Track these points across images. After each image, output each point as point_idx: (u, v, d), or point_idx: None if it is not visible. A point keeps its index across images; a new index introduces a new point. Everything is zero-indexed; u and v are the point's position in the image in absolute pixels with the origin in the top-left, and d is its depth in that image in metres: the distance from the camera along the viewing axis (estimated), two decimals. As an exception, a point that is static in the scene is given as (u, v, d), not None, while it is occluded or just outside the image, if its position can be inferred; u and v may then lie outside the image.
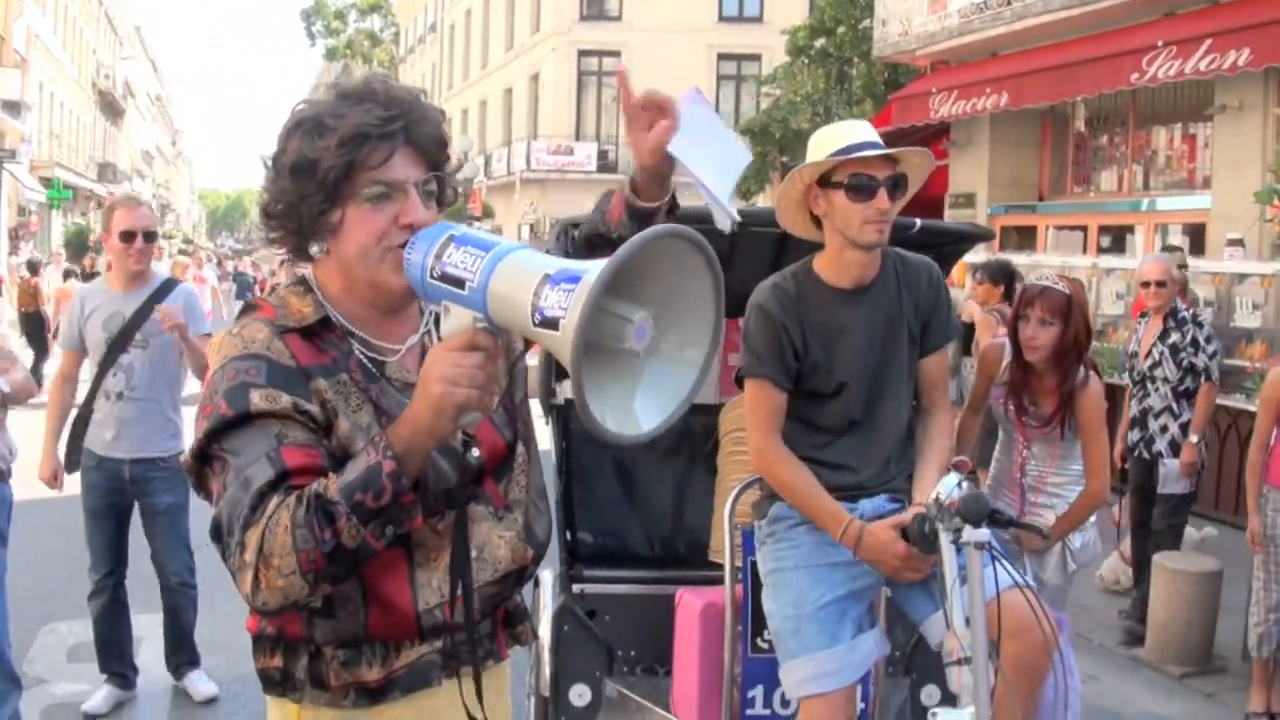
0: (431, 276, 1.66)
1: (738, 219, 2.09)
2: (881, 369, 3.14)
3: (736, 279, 4.43)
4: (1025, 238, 15.27)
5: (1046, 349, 4.03)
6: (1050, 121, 15.29)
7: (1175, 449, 6.19)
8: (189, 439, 1.87)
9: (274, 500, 1.66)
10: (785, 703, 3.46)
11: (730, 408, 4.34)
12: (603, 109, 34.27)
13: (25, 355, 15.32)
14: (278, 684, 1.90)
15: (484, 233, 1.70)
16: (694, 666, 3.63)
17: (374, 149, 1.78)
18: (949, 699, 3.59)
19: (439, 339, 1.71)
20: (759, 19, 32.06)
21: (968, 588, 2.60)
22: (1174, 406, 6.20)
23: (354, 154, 1.76)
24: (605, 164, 33.37)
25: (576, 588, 3.90)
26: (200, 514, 5.06)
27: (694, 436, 4.64)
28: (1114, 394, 5.74)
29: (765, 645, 3.44)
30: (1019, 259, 11.79)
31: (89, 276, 17.91)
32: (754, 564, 3.42)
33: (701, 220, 1.95)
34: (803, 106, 20.06)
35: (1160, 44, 11.51)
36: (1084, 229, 14.67)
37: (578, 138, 33.90)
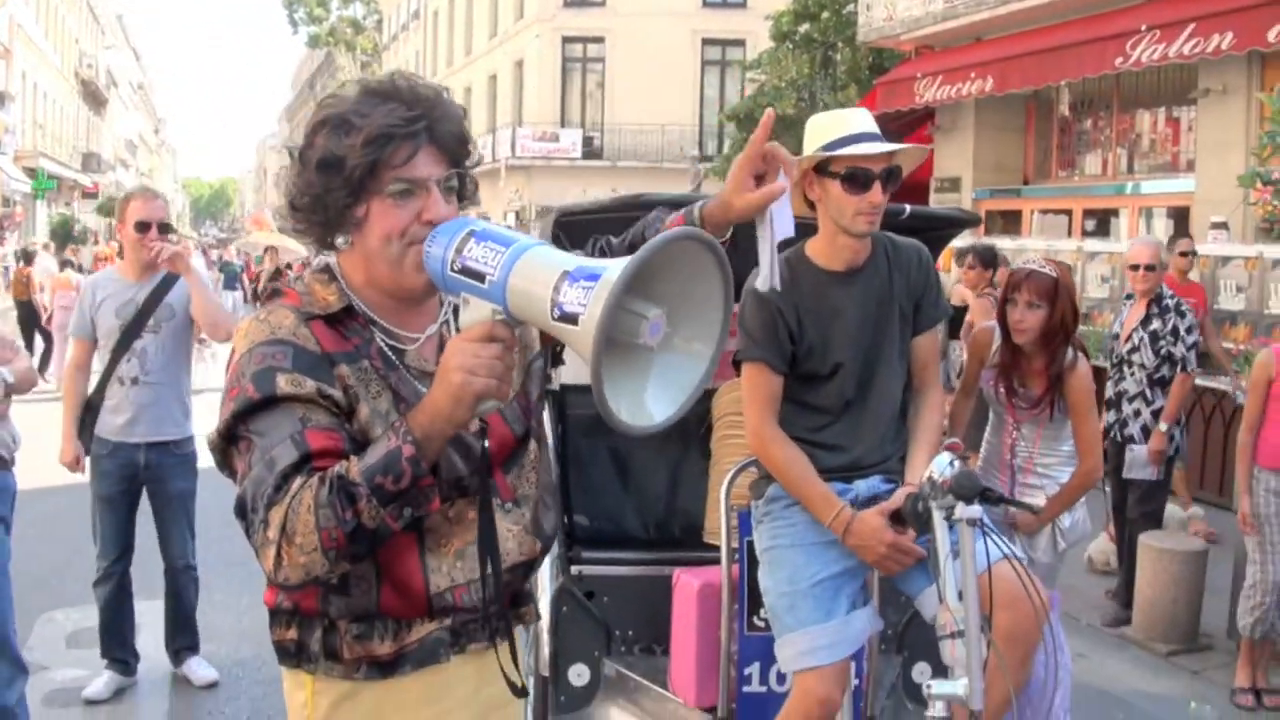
0: (452, 270, 1.72)
1: (778, 287, 2.19)
2: (874, 350, 3.20)
3: (732, 261, 4.51)
4: (1010, 221, 15.35)
5: (1034, 331, 4.09)
6: (1034, 105, 15.37)
7: (1147, 434, 6.19)
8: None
9: (297, 481, 1.72)
10: (781, 679, 3.52)
11: (724, 392, 4.39)
12: (587, 96, 34.26)
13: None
14: (293, 655, 1.95)
15: (503, 228, 1.75)
16: (691, 645, 3.69)
17: (398, 148, 1.82)
18: (940, 675, 3.66)
19: (457, 329, 1.77)
20: (743, 4, 32.07)
21: (960, 563, 2.66)
22: (1148, 393, 6.21)
23: (379, 153, 1.81)
24: (590, 150, 33.37)
25: (575, 569, 3.96)
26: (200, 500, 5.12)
27: (688, 421, 4.66)
28: (1100, 376, 5.81)
29: (761, 623, 3.50)
30: (1004, 243, 11.88)
31: (68, 267, 17.87)
32: (749, 544, 3.48)
33: None
34: (787, 92, 20.11)
35: (1144, 28, 11.60)
36: (1068, 213, 14.76)
37: (563, 124, 33.88)
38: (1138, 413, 6.22)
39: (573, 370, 4.15)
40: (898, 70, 16.64)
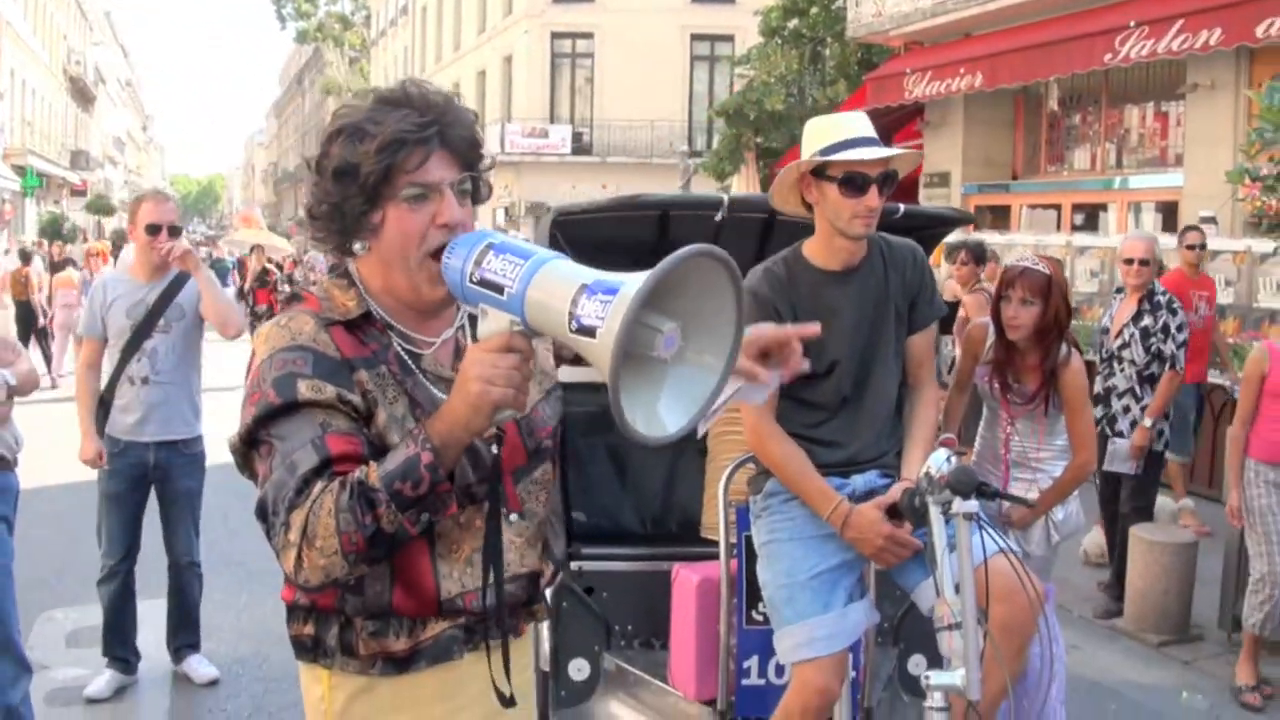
0: (471, 281, 1.75)
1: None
2: (870, 348, 3.26)
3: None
4: (999, 217, 15.41)
5: (1028, 328, 4.14)
6: (1023, 101, 15.42)
7: (1134, 430, 6.21)
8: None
9: (318, 485, 1.77)
10: (779, 671, 3.57)
11: (719, 389, 4.44)
12: (576, 91, 34.24)
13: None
14: (310, 650, 1.99)
15: (521, 241, 1.79)
16: (691, 639, 3.74)
17: (411, 153, 1.87)
18: (937, 667, 3.71)
19: (473, 334, 1.81)
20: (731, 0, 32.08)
21: (957, 556, 2.71)
22: (1137, 389, 6.22)
23: (392, 158, 1.86)
24: (580, 146, 33.37)
25: (574, 565, 4.00)
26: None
27: (684, 418, 4.73)
28: (1089, 370, 5.85)
29: (760, 617, 3.55)
30: (993, 238, 11.95)
31: (57, 266, 17.85)
32: (748, 539, 3.53)
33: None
34: (776, 87, 20.12)
35: (1132, 24, 11.64)
36: (1057, 208, 14.82)
37: (552, 120, 33.86)
38: (1126, 409, 6.24)
39: (570, 368, 4.20)
40: (887, 66, 16.67)
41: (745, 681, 3.62)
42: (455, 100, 1.98)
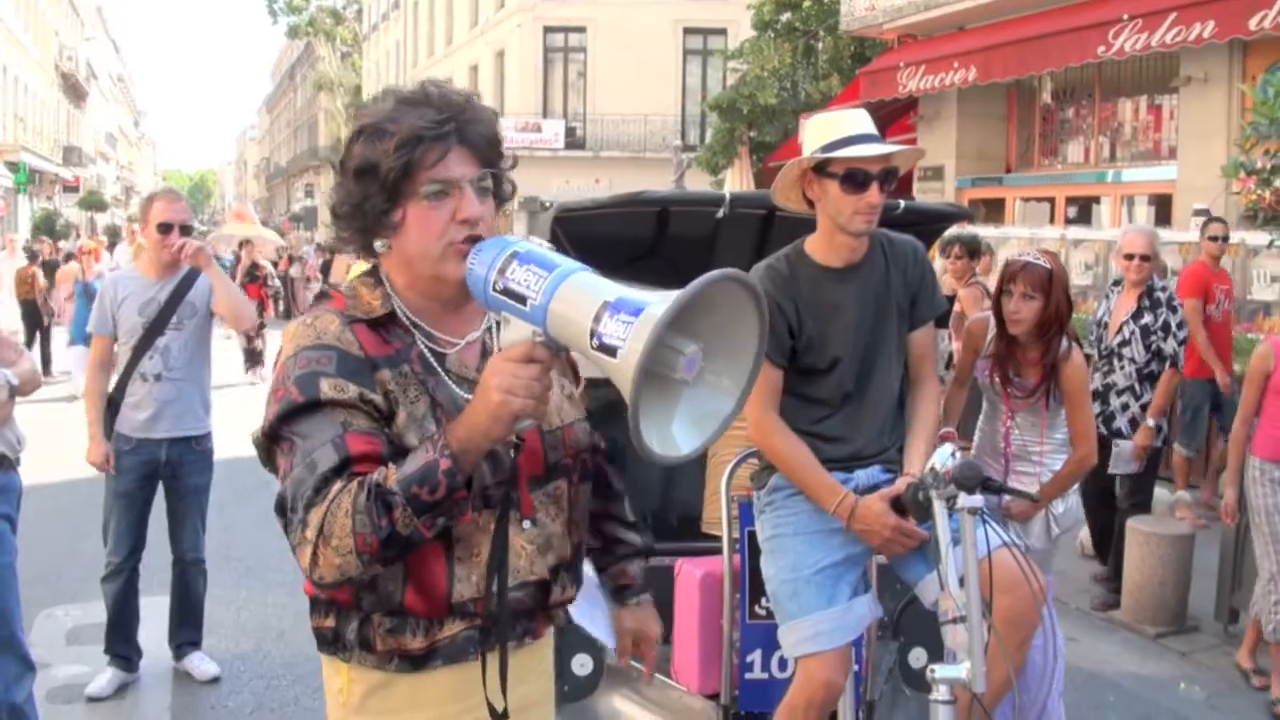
0: (494, 290, 1.76)
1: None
2: (873, 344, 3.28)
3: (724, 258, 4.58)
4: (993, 210, 15.44)
5: (1029, 322, 4.16)
6: (1017, 94, 15.45)
7: (1134, 428, 6.21)
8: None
9: (337, 485, 1.78)
10: (782, 665, 3.59)
11: (719, 384, 4.45)
12: (569, 86, 34.20)
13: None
14: (330, 643, 2.01)
15: (545, 250, 1.78)
16: (694, 633, 3.76)
17: (429, 149, 1.89)
18: (936, 659, 3.74)
19: (499, 339, 1.82)
20: (725, -7, 32.04)
21: (961, 550, 2.73)
22: (1136, 387, 6.20)
23: (410, 155, 1.88)
24: (573, 141, 33.32)
25: (576, 561, 4.00)
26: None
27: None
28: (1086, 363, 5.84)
29: (762, 612, 3.57)
30: (987, 231, 11.96)
31: (49, 266, 17.80)
32: (751, 534, 3.55)
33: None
34: (769, 81, 20.11)
35: (1126, 17, 11.67)
36: (1051, 201, 14.85)
37: (545, 115, 33.80)
38: (1125, 406, 6.22)
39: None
40: (880, 60, 16.69)
41: (748, 676, 3.64)
42: (475, 99, 1.99)
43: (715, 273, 1.63)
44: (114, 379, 4.99)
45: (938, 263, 10.10)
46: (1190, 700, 5.33)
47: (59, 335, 15.69)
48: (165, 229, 4.90)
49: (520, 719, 2.04)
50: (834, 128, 3.16)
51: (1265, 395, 5.07)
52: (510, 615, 1.99)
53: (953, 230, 9.02)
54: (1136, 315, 6.19)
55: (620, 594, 2.46)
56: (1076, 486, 4.38)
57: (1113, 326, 6.32)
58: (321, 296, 2.04)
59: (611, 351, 1.59)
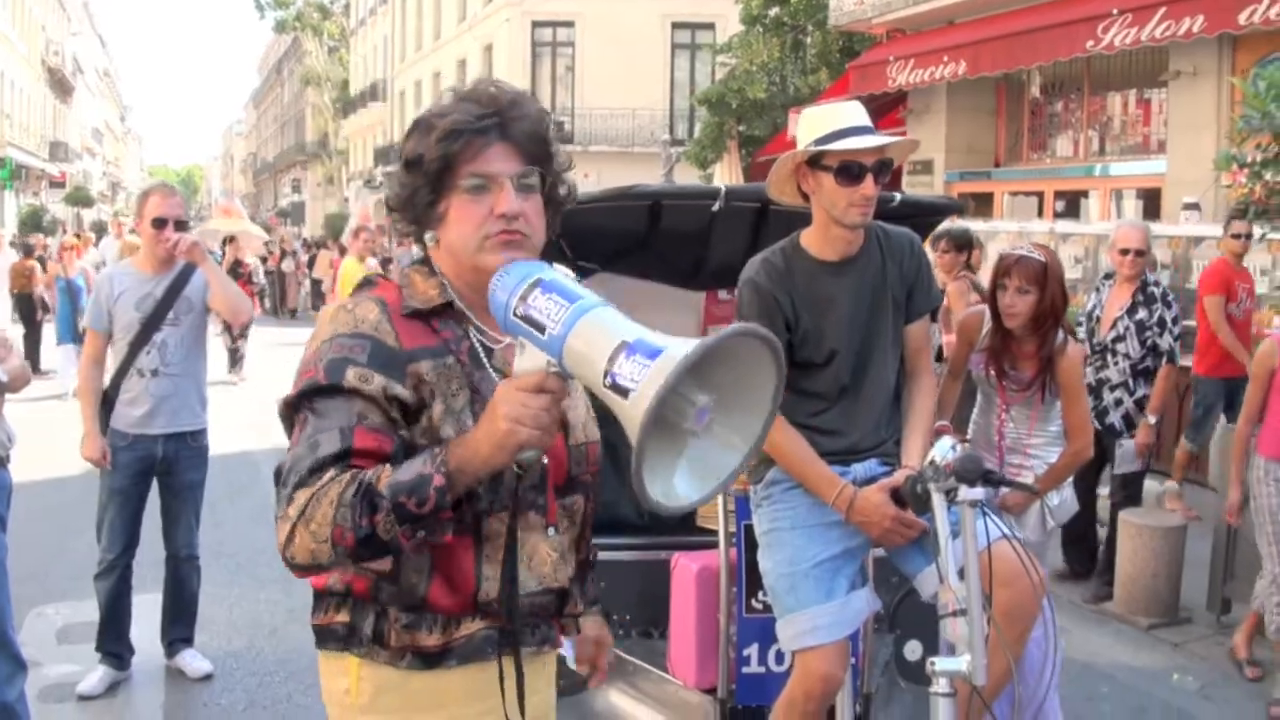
0: (514, 314, 1.75)
1: None
2: (869, 337, 3.27)
3: (718, 251, 4.57)
4: (981, 204, 15.45)
5: (1024, 316, 4.15)
6: (1006, 88, 15.47)
7: (1127, 423, 6.22)
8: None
9: (331, 472, 1.79)
10: (779, 659, 3.59)
11: (713, 378, 4.44)
12: (557, 80, 34.15)
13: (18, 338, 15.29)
14: (340, 638, 1.98)
15: (569, 280, 1.77)
16: (690, 627, 3.75)
17: (468, 143, 1.93)
18: (932, 652, 3.74)
19: (515, 363, 1.82)
20: (713, -13, 32.01)
21: (961, 543, 2.73)
22: (1130, 383, 6.19)
23: (449, 148, 1.93)
24: (560, 136, 33.14)
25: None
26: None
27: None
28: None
29: (759, 605, 3.56)
30: (976, 225, 11.97)
31: (40, 261, 17.72)
32: (747, 527, 3.55)
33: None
34: (758, 76, 20.09)
35: (1115, 12, 11.68)
36: (1040, 195, 14.87)
37: (533, 109, 33.73)
38: (1119, 402, 6.22)
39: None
40: (870, 54, 16.68)
41: (745, 669, 3.63)
42: (525, 97, 2.01)
43: (739, 326, 1.62)
44: (108, 375, 4.96)
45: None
46: (1183, 691, 5.35)
47: (51, 331, 15.65)
48: (160, 224, 4.88)
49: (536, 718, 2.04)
50: (828, 120, 3.15)
51: (1271, 394, 5.00)
52: (530, 619, 2.00)
53: (942, 224, 9.03)
54: (1131, 310, 6.18)
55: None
56: (1071, 480, 4.38)
57: (1106, 321, 6.30)
58: (366, 283, 2.05)
59: (624, 392, 1.57)
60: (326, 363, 1.88)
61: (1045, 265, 4.12)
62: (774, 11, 20.48)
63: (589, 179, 28.38)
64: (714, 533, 3.74)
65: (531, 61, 33.96)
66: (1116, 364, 6.22)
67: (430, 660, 1.96)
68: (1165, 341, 6.12)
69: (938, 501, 2.77)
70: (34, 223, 32.35)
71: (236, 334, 14.65)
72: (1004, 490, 3.97)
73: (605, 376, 1.60)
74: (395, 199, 2.02)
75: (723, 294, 5.02)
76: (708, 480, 1.69)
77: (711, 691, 3.70)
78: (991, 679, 2.87)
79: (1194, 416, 8.14)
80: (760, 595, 3.53)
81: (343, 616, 1.99)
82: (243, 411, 11.96)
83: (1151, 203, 12.79)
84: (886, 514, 3.09)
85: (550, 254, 4.55)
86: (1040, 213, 14.43)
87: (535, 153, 2.00)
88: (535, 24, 33.62)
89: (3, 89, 38.43)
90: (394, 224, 2.07)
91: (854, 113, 3.17)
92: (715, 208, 4.08)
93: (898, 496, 3.06)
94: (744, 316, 3.26)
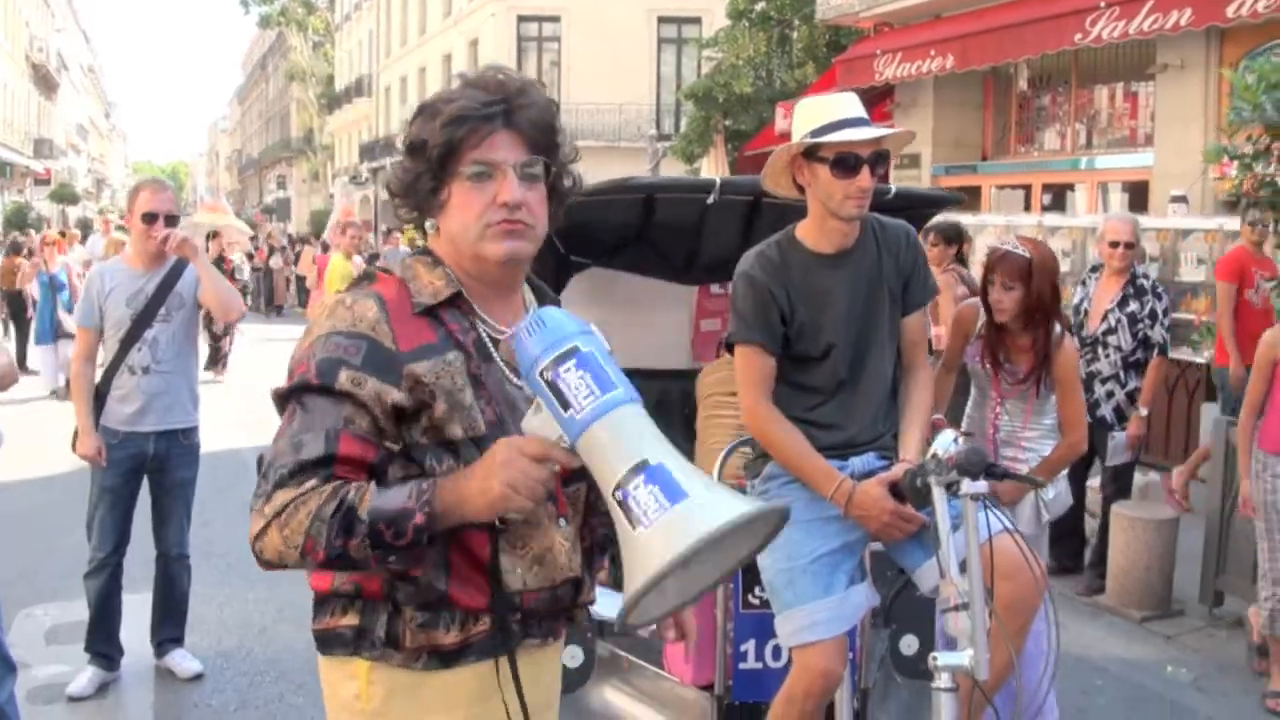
0: (541, 376, 1.69)
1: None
2: (866, 330, 3.25)
3: (711, 244, 4.54)
4: (969, 197, 15.46)
5: (1011, 312, 4.14)
6: (993, 82, 15.46)
7: (1119, 416, 6.21)
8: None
9: (314, 481, 1.78)
10: (776, 654, 3.58)
11: (708, 373, 4.43)
12: (543, 75, 34.06)
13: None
14: (348, 642, 1.94)
15: (605, 359, 1.70)
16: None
17: (474, 129, 1.90)
18: (926, 647, 3.73)
19: (527, 418, 1.81)
20: (699, -19, 31.97)
21: (965, 537, 2.71)
22: (1121, 375, 6.18)
23: (453, 133, 1.90)
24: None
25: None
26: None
27: (671, 403, 4.73)
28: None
29: (756, 601, 3.55)
30: (964, 219, 11.97)
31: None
32: (743, 523, 3.51)
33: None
34: (744, 70, 20.10)
35: (1103, 5, 11.67)
36: (1027, 188, 14.88)
37: (519, 104, 33.66)
38: (1110, 394, 6.21)
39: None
40: (857, 48, 16.66)
41: (742, 665, 3.62)
42: (533, 86, 1.99)
43: (765, 507, 1.62)
44: (99, 371, 4.91)
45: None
46: (1177, 683, 5.35)
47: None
48: (150, 219, 4.83)
49: (542, 713, 2.04)
50: (824, 111, 3.13)
51: (1273, 386, 4.94)
52: (548, 612, 2.00)
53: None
54: (1122, 303, 6.17)
55: None
56: (1065, 473, 4.38)
57: (1095, 314, 6.29)
58: (367, 277, 2.01)
59: (631, 519, 1.57)
60: (319, 361, 1.85)
61: (1030, 261, 4.10)
62: (760, 6, 20.47)
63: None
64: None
65: (517, 56, 33.87)
66: (1108, 356, 6.21)
67: (448, 659, 1.93)
68: (1157, 333, 6.12)
69: (938, 495, 2.75)
70: (19, 220, 32.15)
71: (220, 331, 14.55)
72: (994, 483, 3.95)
73: (616, 489, 1.59)
74: (397, 184, 1.99)
75: (715, 288, 5.00)
76: (668, 600, 1.74)
77: (709, 688, 3.68)
78: (993, 673, 2.85)
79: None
80: (757, 590, 3.51)
81: (350, 619, 1.94)
82: (231, 409, 11.91)
83: (1138, 196, 12.80)
84: (885, 508, 3.06)
85: (543, 248, 4.53)
86: (1027, 206, 14.44)
87: (541, 142, 1.97)
88: (521, 18, 33.56)
89: (-14, 86, 38.26)
90: (395, 210, 2.05)
91: (850, 104, 3.16)
92: (710, 200, 4.06)
93: (896, 490, 3.04)
94: (739, 310, 3.24)
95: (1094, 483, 6.67)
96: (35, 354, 14.13)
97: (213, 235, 17.91)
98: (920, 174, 15.55)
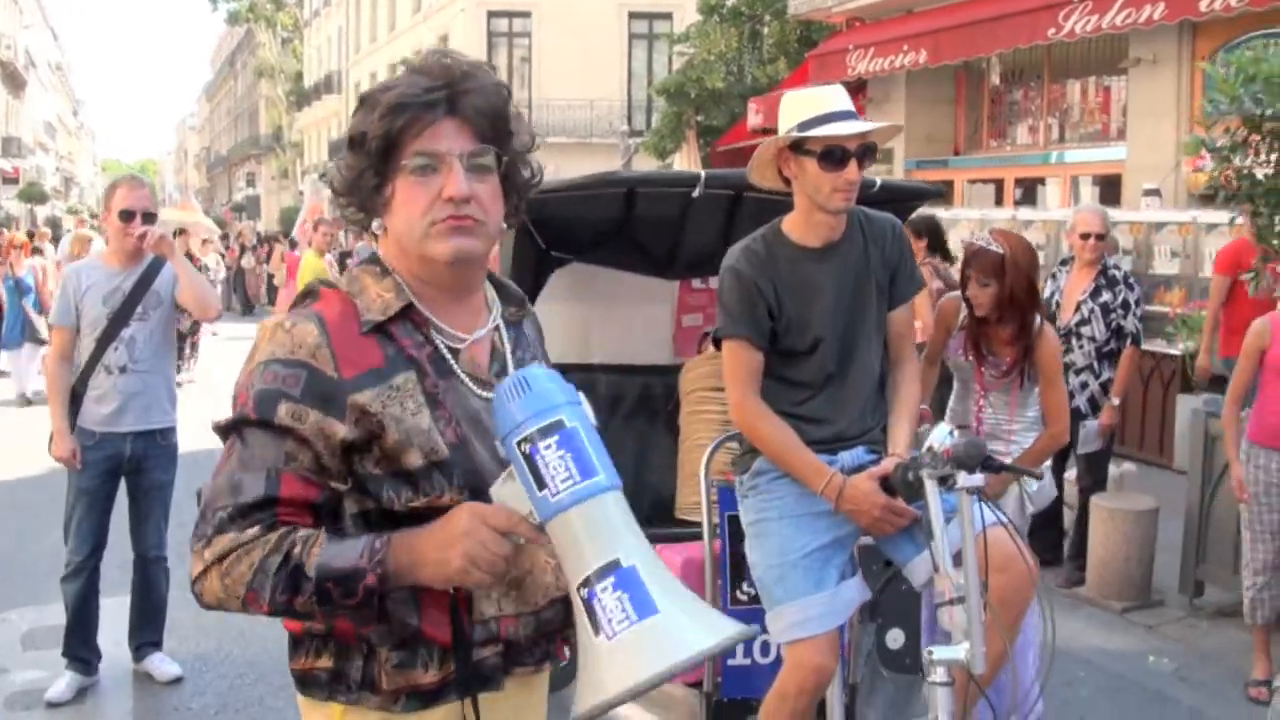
0: (518, 446, 1.60)
1: None
2: (853, 324, 3.24)
3: (693, 239, 4.52)
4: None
5: (987, 307, 4.16)
6: (965, 76, 15.52)
7: (1093, 406, 6.23)
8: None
9: (255, 529, 1.69)
10: (765, 651, 3.56)
11: (690, 368, 4.40)
12: (514, 71, 33.97)
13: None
14: (324, 685, 1.83)
15: (590, 440, 1.60)
16: (674, 621, 3.70)
17: (414, 118, 1.76)
18: (912, 640, 3.72)
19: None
20: (670, -24, 31.96)
21: (960, 530, 2.70)
22: (1095, 365, 6.20)
23: (392, 124, 1.75)
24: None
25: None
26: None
27: (654, 398, 4.70)
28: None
29: (744, 597, 3.53)
30: (937, 213, 12.01)
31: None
32: (731, 518, 3.50)
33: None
34: (716, 65, 20.09)
35: (1076, -1, 11.74)
36: (999, 182, 14.94)
37: (490, 101, 33.56)
38: (1085, 385, 6.23)
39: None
40: (829, 43, 16.69)
41: (731, 662, 3.59)
42: (482, 69, 1.83)
43: (735, 634, 1.54)
44: (77, 372, 4.84)
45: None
46: (1159, 673, 5.38)
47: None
48: (128, 216, 4.76)
49: None
50: (810, 105, 3.11)
51: (1262, 375, 4.95)
52: (538, 637, 1.89)
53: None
54: (1095, 294, 6.19)
55: None
56: (1049, 464, 4.39)
57: (1068, 305, 6.30)
58: (309, 295, 1.86)
59: (595, 624, 1.50)
60: (257, 393, 1.73)
61: (1003, 257, 4.10)
62: (731, 1, 20.47)
63: (547, 171, 28.30)
64: (692, 524, 3.70)
65: (487, 52, 33.71)
66: (1081, 347, 6.23)
67: (428, 699, 1.80)
68: (1130, 323, 6.15)
69: (930, 488, 2.74)
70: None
71: (185, 330, 14.38)
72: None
73: (583, 585, 1.52)
74: (340, 181, 1.84)
75: (696, 283, 4.98)
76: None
77: (697, 685, 3.66)
78: (988, 665, 2.84)
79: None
80: (745, 587, 3.49)
81: (324, 662, 1.82)
82: (203, 409, 11.77)
83: (1110, 189, 12.88)
84: (877, 502, 3.05)
85: (523, 243, 4.47)
86: (999, 200, 14.50)
87: (490, 130, 1.81)
88: (491, 14, 33.44)
89: (-49, 84, 37.81)
90: (341, 210, 1.89)
91: (837, 97, 3.14)
92: (695, 194, 4.03)
93: (887, 484, 3.03)
94: (726, 304, 3.22)
95: (1071, 475, 6.69)
96: (2, 358, 13.95)
97: (179, 232, 17.71)
98: (892, 168, 15.58)
